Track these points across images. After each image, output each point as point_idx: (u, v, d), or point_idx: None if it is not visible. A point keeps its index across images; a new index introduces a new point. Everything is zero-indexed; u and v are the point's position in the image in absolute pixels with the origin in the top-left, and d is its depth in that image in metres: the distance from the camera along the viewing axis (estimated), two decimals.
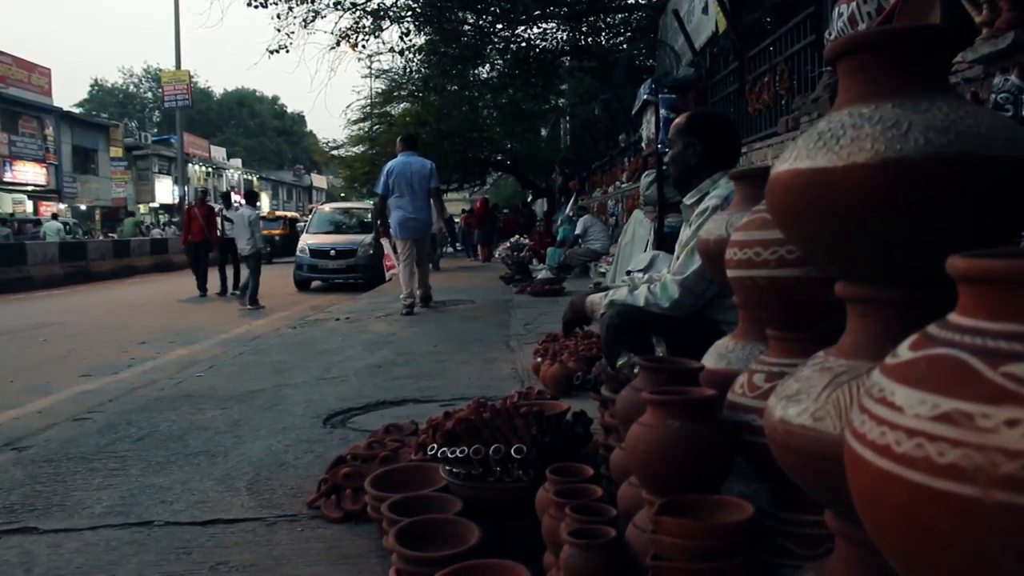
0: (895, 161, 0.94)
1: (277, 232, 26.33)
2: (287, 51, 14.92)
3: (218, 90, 68.78)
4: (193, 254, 13.14)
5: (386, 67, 20.96)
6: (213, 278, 12.90)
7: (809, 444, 1.02)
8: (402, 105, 22.83)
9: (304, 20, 14.15)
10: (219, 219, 12.99)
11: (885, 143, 0.95)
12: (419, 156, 8.14)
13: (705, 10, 7.87)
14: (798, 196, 1.05)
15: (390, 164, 8.03)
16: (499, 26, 14.83)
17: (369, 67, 20.91)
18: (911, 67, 1.02)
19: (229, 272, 13.04)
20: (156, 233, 29.49)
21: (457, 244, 26.37)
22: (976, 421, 0.62)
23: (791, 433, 1.05)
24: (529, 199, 30.13)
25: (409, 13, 14.38)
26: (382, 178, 7.98)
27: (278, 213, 34.73)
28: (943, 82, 1.06)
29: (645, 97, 7.96)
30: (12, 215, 27.48)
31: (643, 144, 9.04)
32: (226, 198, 13.78)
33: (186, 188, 29.81)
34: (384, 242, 9.21)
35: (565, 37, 15.86)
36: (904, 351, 0.74)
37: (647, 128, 8.30)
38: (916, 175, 0.93)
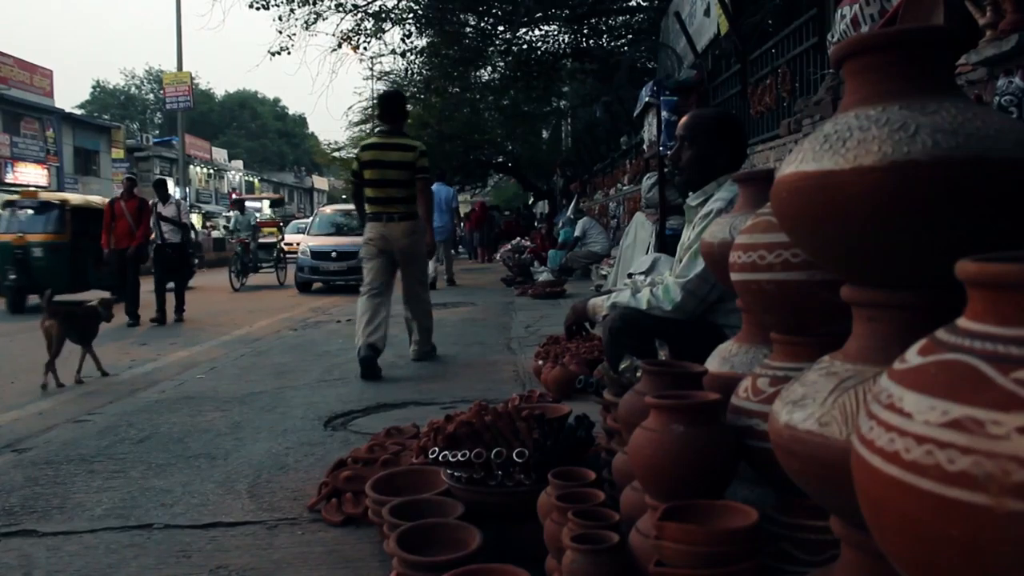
0: (903, 164, 0.93)
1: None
2: (289, 53, 14.89)
3: (220, 92, 68.85)
4: (119, 266, 9.21)
5: (388, 69, 20.90)
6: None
7: (815, 450, 1.01)
8: None
9: (306, 22, 14.13)
10: (153, 217, 9.44)
11: (892, 145, 0.94)
12: (445, 185, 12.36)
13: (707, 12, 7.86)
14: (804, 199, 1.04)
15: None
16: (500, 28, 14.81)
17: (371, 69, 20.91)
18: (918, 68, 1.01)
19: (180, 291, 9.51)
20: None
21: (459, 247, 26.34)
22: (987, 428, 0.61)
23: (796, 438, 1.04)
24: (531, 201, 30.11)
25: (411, 15, 14.37)
26: None
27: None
28: (951, 84, 1.05)
29: (647, 99, 7.94)
30: None
31: (644, 146, 9.02)
32: (159, 187, 9.85)
33: (187, 190, 29.79)
34: None
35: (566, 39, 15.84)
36: (913, 356, 0.73)
37: (649, 130, 8.29)
38: (924, 178, 0.92)
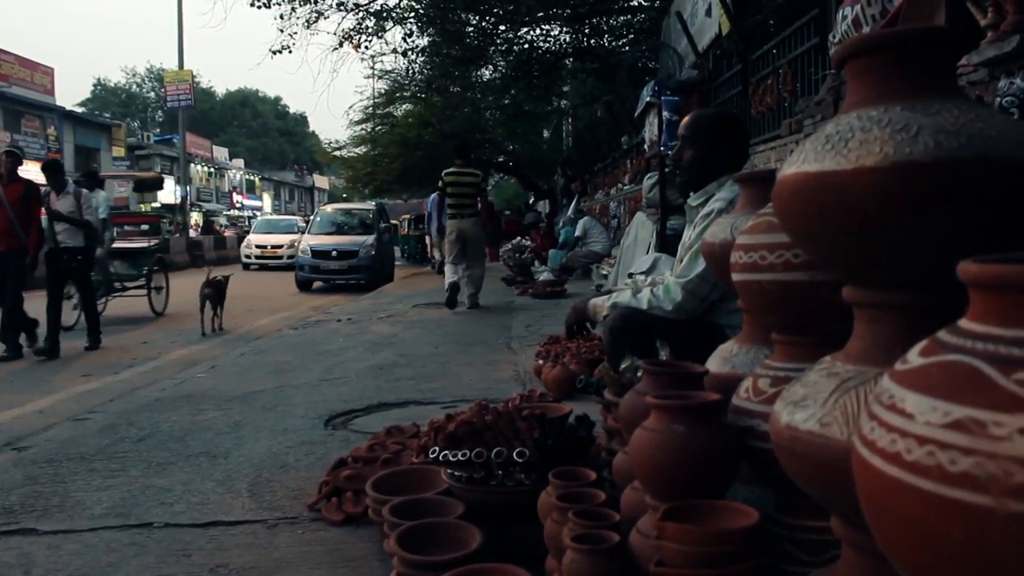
0: (905, 164, 0.93)
1: None
2: (290, 52, 14.89)
3: (221, 90, 68.87)
4: None
5: (389, 68, 20.87)
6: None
7: (816, 450, 1.01)
8: (405, 106, 22.78)
9: (307, 21, 14.12)
10: (44, 209, 6.81)
11: (894, 146, 0.94)
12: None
13: (708, 12, 7.85)
14: (806, 199, 1.04)
15: (433, 196, 13.36)
16: (502, 28, 14.80)
17: (372, 68, 20.79)
18: (921, 69, 1.01)
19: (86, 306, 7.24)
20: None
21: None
22: (989, 429, 0.61)
23: (797, 439, 1.04)
24: (531, 200, 30.10)
25: (412, 14, 14.37)
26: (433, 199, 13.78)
27: None
28: (953, 84, 1.05)
29: (648, 99, 7.93)
30: None
31: (645, 146, 9.01)
32: (50, 171, 6.97)
33: (188, 188, 29.76)
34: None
35: (568, 39, 15.83)
36: (914, 357, 0.73)
37: (650, 130, 8.28)
38: (926, 178, 0.92)
